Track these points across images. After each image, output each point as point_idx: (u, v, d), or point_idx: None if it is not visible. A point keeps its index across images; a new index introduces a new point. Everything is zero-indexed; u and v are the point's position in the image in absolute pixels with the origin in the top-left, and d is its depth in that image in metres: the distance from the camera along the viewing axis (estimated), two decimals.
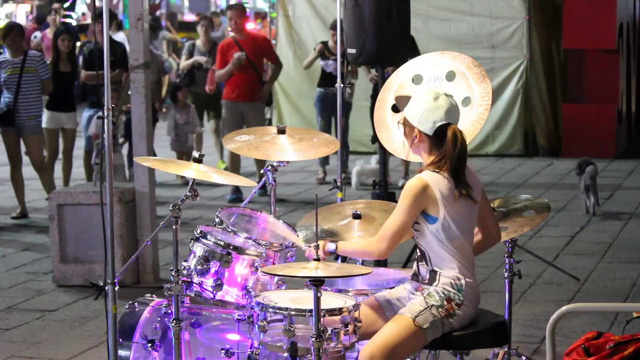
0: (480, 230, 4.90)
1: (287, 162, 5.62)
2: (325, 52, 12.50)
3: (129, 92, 8.58)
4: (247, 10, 29.90)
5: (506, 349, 5.67)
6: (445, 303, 4.64)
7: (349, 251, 4.90)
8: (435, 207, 4.62)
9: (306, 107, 14.89)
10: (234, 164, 11.72)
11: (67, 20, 24.57)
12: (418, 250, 4.75)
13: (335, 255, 4.91)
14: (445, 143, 4.65)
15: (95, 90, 11.63)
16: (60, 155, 11.64)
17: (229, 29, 12.38)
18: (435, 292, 4.66)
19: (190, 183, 4.94)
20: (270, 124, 15.44)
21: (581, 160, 11.00)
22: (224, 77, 11.65)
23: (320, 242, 4.75)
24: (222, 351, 4.91)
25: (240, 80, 11.51)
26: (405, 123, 4.76)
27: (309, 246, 4.81)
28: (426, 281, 4.70)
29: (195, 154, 5.08)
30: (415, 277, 4.77)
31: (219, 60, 11.62)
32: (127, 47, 13.80)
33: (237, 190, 11.69)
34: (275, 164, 5.54)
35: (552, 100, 15.35)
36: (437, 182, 4.62)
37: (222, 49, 11.64)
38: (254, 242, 5.05)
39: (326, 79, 12.40)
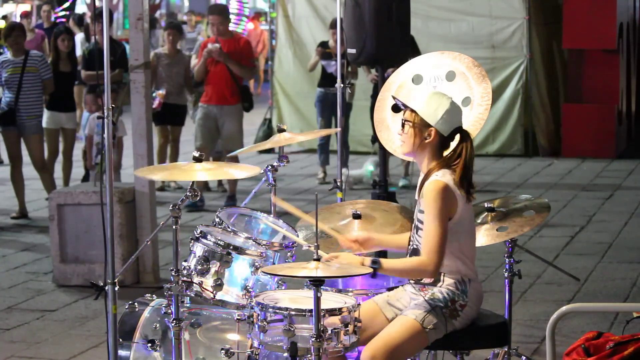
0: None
1: (288, 161, 5.62)
2: (326, 52, 12.44)
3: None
4: (248, 10, 29.80)
5: (506, 349, 5.67)
6: (449, 304, 4.63)
7: (396, 271, 4.69)
8: (454, 207, 4.62)
9: (306, 107, 14.89)
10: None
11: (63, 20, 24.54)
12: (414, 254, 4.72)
13: (373, 273, 4.65)
14: (460, 145, 4.68)
15: (90, 90, 11.61)
16: (60, 156, 11.63)
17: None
18: (440, 293, 4.65)
19: (191, 183, 4.93)
20: (270, 124, 15.45)
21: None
22: (200, 72, 11.16)
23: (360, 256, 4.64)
24: (222, 351, 4.91)
25: (214, 83, 11.10)
26: (418, 121, 4.71)
27: (309, 246, 4.80)
28: (430, 282, 4.69)
29: (196, 153, 5.08)
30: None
31: (199, 58, 11.25)
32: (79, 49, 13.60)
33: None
34: (275, 163, 5.54)
35: (552, 100, 15.35)
36: (455, 186, 4.63)
37: (203, 47, 11.23)
38: (254, 242, 5.05)
39: (327, 79, 12.36)
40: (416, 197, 4.77)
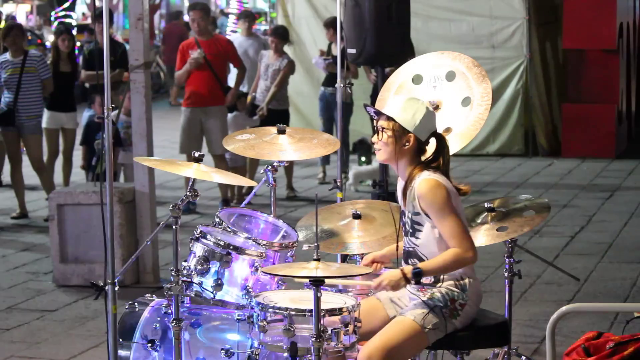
0: None
1: (287, 162, 5.62)
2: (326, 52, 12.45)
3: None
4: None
5: (506, 349, 5.67)
6: (449, 304, 4.63)
7: (437, 270, 4.62)
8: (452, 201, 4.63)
9: (306, 107, 14.89)
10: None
11: (67, 20, 24.58)
12: (415, 259, 4.71)
13: (419, 278, 4.59)
14: (439, 149, 4.71)
15: (95, 90, 11.60)
16: (60, 156, 11.63)
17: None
18: (439, 293, 4.64)
19: (191, 183, 4.94)
20: None
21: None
22: (182, 78, 10.83)
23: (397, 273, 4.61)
24: (222, 351, 4.91)
25: (197, 85, 10.72)
26: (398, 129, 4.70)
27: (309, 246, 4.79)
28: (429, 282, 4.69)
29: (195, 153, 5.09)
30: None
31: (179, 61, 10.88)
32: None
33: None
34: (275, 164, 5.54)
35: (552, 100, 15.35)
36: (444, 180, 4.64)
37: (182, 50, 10.88)
38: (254, 242, 5.06)
39: (330, 79, 12.32)
40: (401, 204, 4.76)
